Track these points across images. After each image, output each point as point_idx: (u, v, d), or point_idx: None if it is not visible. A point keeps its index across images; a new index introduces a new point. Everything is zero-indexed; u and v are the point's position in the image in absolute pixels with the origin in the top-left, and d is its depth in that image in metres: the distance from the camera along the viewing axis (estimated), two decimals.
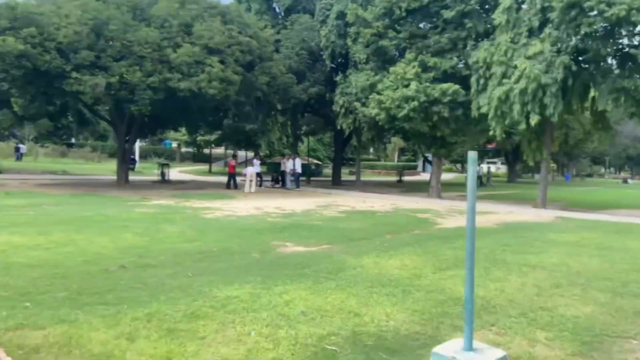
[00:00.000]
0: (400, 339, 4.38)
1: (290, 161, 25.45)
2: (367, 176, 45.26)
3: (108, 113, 23.97)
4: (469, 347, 3.61)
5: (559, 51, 16.80)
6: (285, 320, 4.68)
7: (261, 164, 28.22)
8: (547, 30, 16.97)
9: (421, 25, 22.18)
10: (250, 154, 34.59)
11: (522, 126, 17.66)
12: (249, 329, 4.40)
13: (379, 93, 20.71)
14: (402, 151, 66.88)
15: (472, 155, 3.59)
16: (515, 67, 17.24)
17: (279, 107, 27.50)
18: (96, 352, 3.78)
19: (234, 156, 25.69)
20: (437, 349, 3.71)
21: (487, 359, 3.47)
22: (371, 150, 54.52)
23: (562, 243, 9.96)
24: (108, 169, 32.18)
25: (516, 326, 4.75)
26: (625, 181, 58.15)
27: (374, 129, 23.70)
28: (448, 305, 5.36)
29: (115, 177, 23.34)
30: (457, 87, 19.53)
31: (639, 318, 5.17)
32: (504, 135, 20.86)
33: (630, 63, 16.56)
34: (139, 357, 3.72)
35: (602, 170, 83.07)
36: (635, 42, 16.87)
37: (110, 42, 18.10)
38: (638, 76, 15.99)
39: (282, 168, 26.03)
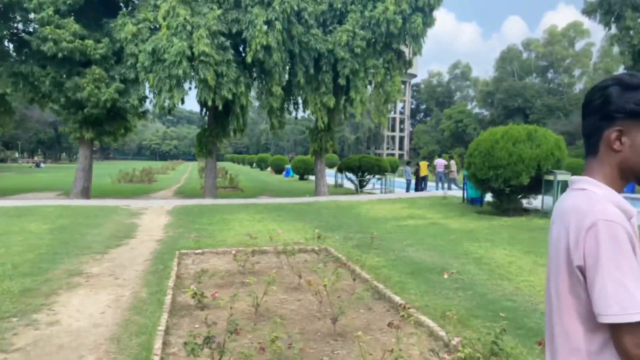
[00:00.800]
0: None
1: None
2: None
3: None
4: None
5: None
6: None
7: None
8: None
9: None
10: None
11: None
12: None
13: None
14: None
15: None
16: None
17: None
18: None
19: None
20: None
21: None
22: None
23: None
24: None
25: None
26: (37, 165, 59.35)
27: None
28: None
29: None
30: None
31: (24, 296, 5.43)
32: None
33: (26, 49, 16.77)
34: None
35: (16, 154, 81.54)
36: (30, 29, 17.24)
37: None
38: (34, 62, 16.38)
39: None
